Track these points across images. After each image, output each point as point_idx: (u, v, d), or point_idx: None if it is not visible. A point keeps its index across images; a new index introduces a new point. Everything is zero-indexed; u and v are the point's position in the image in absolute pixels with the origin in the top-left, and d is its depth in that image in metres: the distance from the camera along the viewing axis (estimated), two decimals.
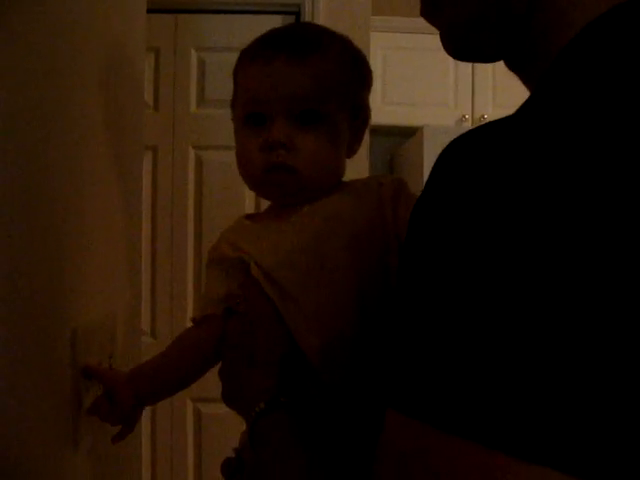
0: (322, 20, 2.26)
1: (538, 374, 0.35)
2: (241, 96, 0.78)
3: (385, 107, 2.72)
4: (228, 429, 2.03)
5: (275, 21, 2.36)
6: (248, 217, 0.84)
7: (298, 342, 0.71)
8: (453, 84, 2.92)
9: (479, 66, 2.77)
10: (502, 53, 0.55)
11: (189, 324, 0.82)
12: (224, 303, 0.77)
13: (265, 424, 0.67)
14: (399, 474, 0.42)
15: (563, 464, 0.33)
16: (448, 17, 0.55)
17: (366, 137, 0.84)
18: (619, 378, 0.33)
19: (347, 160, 0.81)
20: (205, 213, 2.41)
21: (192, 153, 2.43)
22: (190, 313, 2.33)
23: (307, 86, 0.74)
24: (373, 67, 0.84)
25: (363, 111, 0.81)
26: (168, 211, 2.41)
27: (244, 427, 0.74)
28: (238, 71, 0.80)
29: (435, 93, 2.89)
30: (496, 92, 2.91)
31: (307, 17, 2.33)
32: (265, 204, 0.85)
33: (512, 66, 0.56)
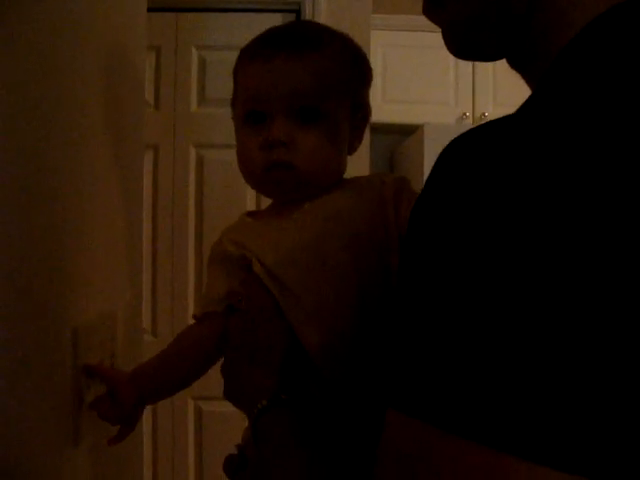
0: (323, 18, 2.26)
1: (541, 373, 0.35)
2: (241, 94, 0.78)
3: (385, 105, 2.72)
4: (229, 427, 2.04)
5: (276, 19, 2.36)
6: (250, 214, 0.84)
7: (299, 339, 0.71)
8: (454, 82, 2.91)
9: (480, 64, 2.76)
10: (503, 52, 0.56)
11: (190, 323, 0.83)
12: (225, 300, 0.77)
13: (267, 421, 0.67)
14: (399, 474, 0.42)
15: (566, 464, 0.33)
16: (449, 15, 0.55)
17: (366, 135, 0.84)
18: (626, 378, 0.33)
19: (348, 158, 0.81)
20: (206, 212, 2.41)
21: (193, 152, 2.43)
22: (191, 312, 2.32)
23: (307, 83, 0.74)
24: (373, 65, 0.84)
25: (363, 108, 0.81)
26: (169, 210, 2.41)
27: (245, 424, 0.74)
28: (238, 70, 0.80)
29: (436, 91, 2.89)
30: (497, 90, 2.91)
31: (307, 15, 2.32)
32: (266, 203, 0.85)
33: (514, 65, 0.57)
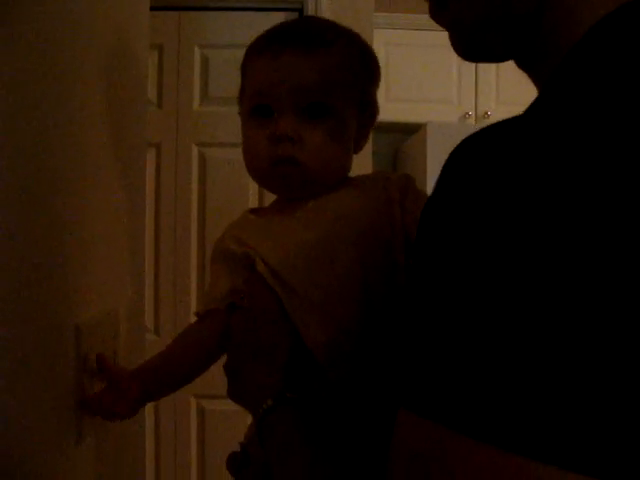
0: (325, 17, 2.26)
1: (552, 372, 0.34)
2: (249, 89, 0.78)
3: (388, 104, 2.71)
4: (231, 425, 2.04)
5: (278, 18, 2.35)
6: (253, 211, 0.83)
7: (304, 338, 0.70)
8: (456, 81, 2.91)
9: (482, 63, 2.76)
10: (511, 52, 0.55)
11: (193, 321, 0.83)
12: (228, 298, 0.77)
13: (272, 420, 0.67)
14: (412, 474, 0.42)
15: (578, 465, 0.33)
16: (456, 17, 0.55)
17: (370, 134, 0.84)
18: (636, 378, 0.33)
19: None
20: (208, 210, 2.41)
21: (195, 150, 2.43)
22: (194, 310, 2.33)
23: (315, 79, 0.73)
24: None
25: (371, 106, 0.81)
26: (171, 208, 2.41)
27: (247, 423, 0.74)
28: (246, 64, 0.79)
29: (438, 90, 2.89)
30: (499, 89, 2.91)
31: (310, 14, 2.32)
32: (269, 201, 0.85)
33: (521, 64, 0.56)
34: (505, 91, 2.85)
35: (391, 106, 2.73)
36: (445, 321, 0.40)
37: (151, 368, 0.81)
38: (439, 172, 0.46)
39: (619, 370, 0.33)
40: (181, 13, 2.42)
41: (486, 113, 2.89)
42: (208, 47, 2.43)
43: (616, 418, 0.33)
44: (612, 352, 0.33)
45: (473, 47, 0.56)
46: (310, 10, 2.33)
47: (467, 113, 2.91)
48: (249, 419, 0.72)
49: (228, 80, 2.40)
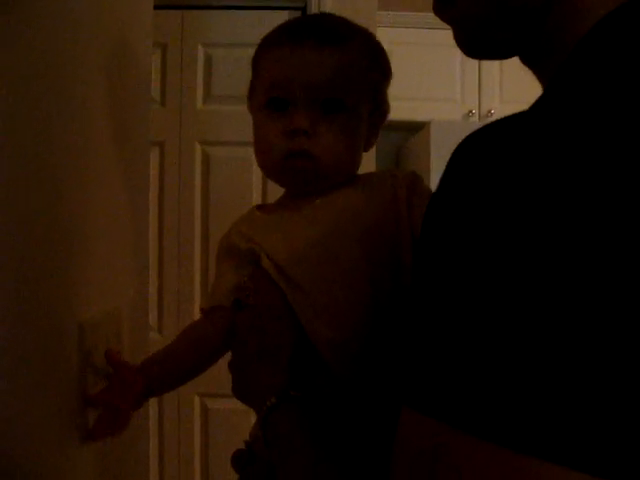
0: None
1: (557, 371, 0.34)
2: (263, 81, 0.77)
3: (392, 102, 2.69)
4: (235, 424, 2.04)
5: (281, 17, 2.35)
6: (259, 208, 0.83)
7: (309, 335, 0.70)
8: (460, 79, 2.91)
9: (486, 61, 2.76)
10: (517, 49, 0.54)
11: (197, 318, 0.83)
12: (233, 294, 0.77)
13: (276, 418, 0.67)
14: (415, 471, 0.42)
15: (582, 463, 0.33)
16: (463, 13, 0.54)
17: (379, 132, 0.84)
18: None
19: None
20: (212, 208, 2.41)
21: (199, 149, 2.43)
22: (197, 309, 2.32)
23: (333, 74, 0.73)
24: None
25: (382, 105, 0.81)
26: (175, 207, 2.41)
27: (251, 421, 0.74)
28: (260, 57, 0.79)
29: (442, 88, 2.89)
30: (503, 87, 2.90)
31: (313, 12, 2.32)
32: (272, 199, 0.85)
33: (526, 61, 0.56)
34: (508, 89, 2.85)
35: (394, 104, 2.69)
36: (448, 318, 0.40)
37: (155, 363, 0.80)
38: (443, 169, 0.46)
39: (627, 367, 0.33)
40: (184, 12, 2.42)
41: (489, 111, 2.88)
42: (211, 46, 2.42)
43: (621, 416, 0.33)
44: (618, 350, 0.33)
45: (478, 44, 0.56)
46: (313, 8, 2.33)
47: (470, 111, 2.90)
48: (253, 418, 0.72)
49: (231, 79, 2.40)
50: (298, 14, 2.41)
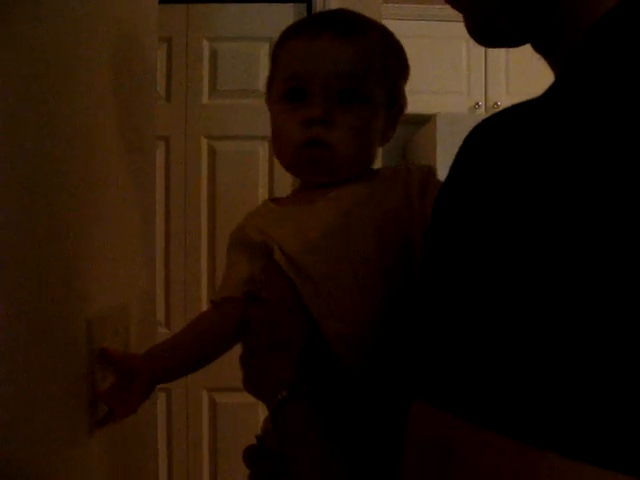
0: (333, 7, 2.24)
1: (569, 364, 0.34)
2: (282, 72, 0.78)
3: None
4: (243, 418, 2.04)
5: (286, 10, 2.35)
6: (273, 201, 0.83)
7: (321, 328, 0.70)
8: (466, 71, 2.90)
9: (492, 53, 2.75)
10: (528, 35, 0.53)
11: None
12: (245, 286, 0.77)
13: (288, 412, 0.67)
14: (425, 463, 0.41)
15: (595, 457, 0.33)
16: (471, 1, 0.54)
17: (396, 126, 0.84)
18: None
19: None
20: (218, 203, 2.41)
21: (205, 143, 2.43)
22: (204, 304, 2.34)
23: (351, 65, 0.74)
24: None
25: (399, 99, 0.82)
26: (181, 201, 2.41)
27: (259, 415, 0.74)
28: (279, 49, 0.79)
29: (448, 81, 2.88)
30: (509, 79, 2.89)
31: (319, 6, 2.31)
32: (279, 194, 0.84)
33: (538, 48, 0.54)
34: (515, 81, 2.84)
35: None
36: (460, 311, 0.40)
37: (164, 352, 0.80)
38: (450, 161, 0.46)
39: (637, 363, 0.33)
40: (189, 6, 2.42)
41: (496, 103, 2.87)
42: (217, 40, 2.42)
43: (636, 410, 0.33)
44: (632, 343, 0.33)
45: (490, 31, 0.55)
46: (319, 1, 2.32)
47: (477, 103, 2.89)
48: (261, 412, 0.72)
49: (237, 73, 2.40)
50: (303, 7, 2.40)
